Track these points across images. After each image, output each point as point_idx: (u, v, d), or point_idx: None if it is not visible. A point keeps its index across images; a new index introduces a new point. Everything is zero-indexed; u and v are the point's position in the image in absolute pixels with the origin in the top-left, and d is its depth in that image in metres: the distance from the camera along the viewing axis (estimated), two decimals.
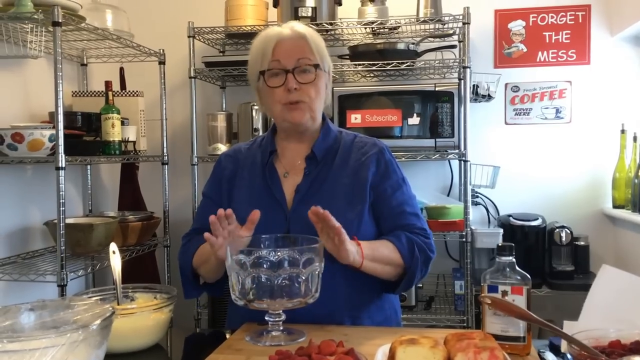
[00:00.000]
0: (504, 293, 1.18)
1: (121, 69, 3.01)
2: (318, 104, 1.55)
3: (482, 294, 1.20)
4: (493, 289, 1.19)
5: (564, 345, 1.20)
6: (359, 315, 1.51)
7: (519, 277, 1.19)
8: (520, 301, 1.17)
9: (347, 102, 2.72)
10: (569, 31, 2.97)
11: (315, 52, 1.52)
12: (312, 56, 1.52)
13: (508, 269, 1.19)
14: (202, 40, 2.93)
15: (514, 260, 1.20)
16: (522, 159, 3.01)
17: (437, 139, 2.66)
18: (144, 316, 1.27)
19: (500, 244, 1.21)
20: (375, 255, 1.44)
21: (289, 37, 1.52)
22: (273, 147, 1.60)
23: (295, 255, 1.25)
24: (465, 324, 2.60)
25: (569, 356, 1.17)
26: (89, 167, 2.95)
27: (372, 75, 3.00)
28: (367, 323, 1.51)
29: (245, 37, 2.88)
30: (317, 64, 1.52)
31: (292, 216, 1.50)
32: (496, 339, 1.10)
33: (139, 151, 2.79)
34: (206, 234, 1.33)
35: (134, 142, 2.72)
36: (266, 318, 1.31)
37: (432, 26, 2.81)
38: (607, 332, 1.10)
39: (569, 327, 1.16)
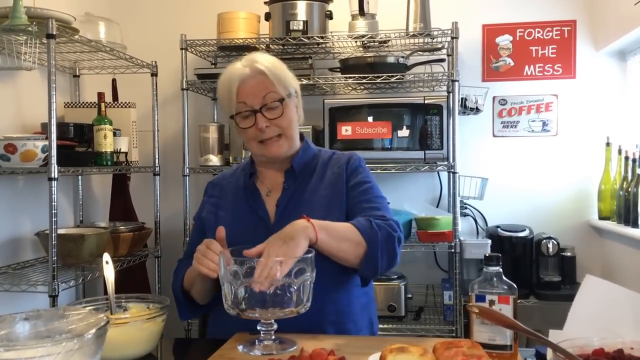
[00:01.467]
0: (491, 302, 1.20)
1: (113, 81, 3.03)
2: (292, 132, 1.59)
3: (470, 303, 1.22)
4: (480, 298, 1.22)
5: (549, 354, 1.23)
6: (341, 323, 1.54)
7: (505, 287, 1.22)
8: (507, 310, 1.19)
9: (338, 114, 2.76)
10: (555, 46, 3.03)
11: (278, 85, 1.53)
12: (275, 89, 1.53)
13: (495, 279, 1.22)
14: (194, 52, 2.95)
15: (500, 270, 1.23)
16: (509, 170, 3.06)
17: (427, 151, 2.70)
18: (137, 326, 1.28)
19: (487, 254, 1.24)
20: (327, 228, 1.42)
21: (249, 77, 1.53)
22: (253, 170, 1.67)
23: None
24: (454, 334, 2.62)
25: None
26: (80, 177, 2.95)
27: (362, 87, 3.04)
28: (352, 331, 1.55)
29: (237, 49, 2.91)
30: (282, 97, 1.54)
31: (274, 230, 1.51)
32: (484, 348, 1.12)
33: (131, 162, 2.81)
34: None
35: (126, 153, 2.73)
36: (258, 327, 1.32)
37: (421, 40, 2.86)
38: (591, 340, 1.12)
39: (554, 335, 1.19)
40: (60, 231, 2.25)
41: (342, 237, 1.45)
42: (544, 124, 3.04)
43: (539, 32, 3.04)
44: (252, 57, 1.58)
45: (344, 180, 1.61)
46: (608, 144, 2.89)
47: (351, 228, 1.47)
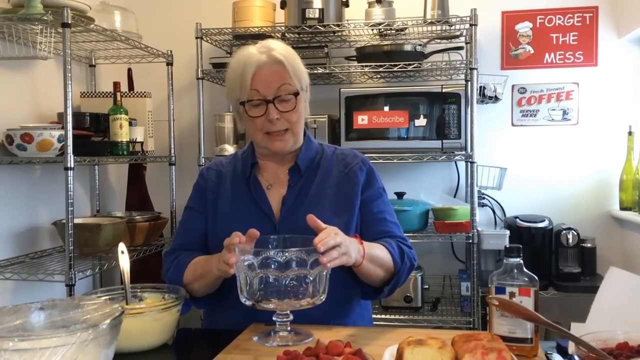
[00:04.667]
0: (512, 294, 1.18)
1: (129, 70, 3.03)
2: (299, 128, 1.56)
3: (490, 296, 1.20)
4: (500, 290, 1.19)
5: (571, 347, 1.20)
6: (345, 317, 1.54)
7: (526, 279, 1.19)
8: (527, 303, 1.17)
9: (354, 104, 2.72)
10: (576, 33, 2.97)
11: (294, 77, 1.50)
12: (291, 82, 1.49)
13: (516, 271, 1.19)
14: (209, 41, 2.94)
15: (521, 261, 1.20)
16: (528, 160, 3.01)
17: (444, 141, 2.66)
18: (152, 316, 1.28)
19: (508, 246, 1.21)
20: (373, 255, 1.44)
21: (266, 65, 1.48)
22: (254, 160, 1.61)
23: (303, 256, 1.25)
24: (471, 326, 2.59)
25: (576, 358, 1.17)
26: (96, 167, 2.96)
27: (379, 76, 3.00)
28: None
29: (253, 38, 2.88)
30: (296, 91, 1.50)
31: (281, 227, 1.51)
32: (503, 341, 1.10)
33: (147, 152, 2.81)
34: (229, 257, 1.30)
35: (142, 143, 2.73)
36: (274, 318, 1.31)
37: (439, 28, 2.81)
38: (614, 334, 1.10)
39: (576, 329, 1.16)
40: (77, 221, 2.26)
41: (380, 265, 1.47)
42: (565, 112, 2.98)
43: (559, 18, 2.98)
44: (267, 44, 1.52)
45: (359, 188, 1.57)
46: (630, 133, 2.83)
47: (387, 255, 1.48)
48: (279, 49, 1.51)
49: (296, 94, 1.50)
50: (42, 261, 2.37)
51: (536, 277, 1.20)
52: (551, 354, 1.22)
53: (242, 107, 1.52)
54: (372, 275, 1.47)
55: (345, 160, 1.62)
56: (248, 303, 1.28)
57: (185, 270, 1.52)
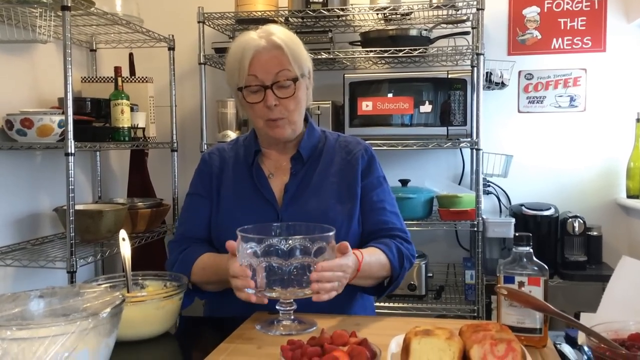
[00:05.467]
0: (521, 284, 1.15)
1: (130, 55, 2.99)
2: (298, 115, 1.52)
3: (498, 285, 1.17)
4: (509, 279, 1.16)
5: (581, 338, 1.18)
6: (348, 308, 1.53)
7: (536, 268, 1.16)
8: (537, 292, 1.14)
9: (358, 90, 2.69)
10: (584, 18, 2.92)
11: (293, 62, 1.45)
12: (290, 67, 1.45)
13: (525, 260, 1.17)
14: (211, 25, 2.89)
15: (531, 250, 1.17)
16: (535, 147, 2.97)
17: (449, 127, 2.63)
18: (154, 304, 1.25)
19: (517, 234, 1.18)
20: (365, 272, 1.40)
21: (265, 50, 1.44)
22: (258, 147, 1.58)
23: (306, 244, 1.23)
24: (475, 314, 2.58)
25: (586, 348, 1.15)
26: (98, 153, 2.94)
27: (383, 62, 2.96)
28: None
29: (256, 22, 2.84)
30: (295, 76, 1.46)
31: (284, 215, 1.49)
32: (511, 331, 1.07)
33: (148, 138, 2.78)
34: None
35: (144, 129, 2.71)
36: (277, 307, 1.29)
37: (445, 12, 2.76)
38: (626, 324, 1.07)
39: (586, 319, 1.13)
40: (78, 207, 2.24)
41: (373, 278, 1.46)
42: (572, 99, 2.94)
43: (567, 3, 2.92)
44: (268, 29, 1.49)
45: (358, 174, 1.55)
46: (638, 120, 2.78)
47: (385, 268, 1.46)
48: (279, 33, 1.47)
49: (295, 80, 1.46)
50: (43, 248, 2.35)
51: (546, 267, 1.17)
52: (560, 344, 1.20)
53: (241, 93, 1.49)
54: (360, 285, 1.46)
55: (348, 147, 1.60)
56: (251, 291, 1.26)
57: (193, 267, 1.49)
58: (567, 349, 1.16)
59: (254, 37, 1.47)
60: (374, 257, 1.44)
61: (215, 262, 1.45)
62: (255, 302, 1.24)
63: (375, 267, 1.44)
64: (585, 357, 1.13)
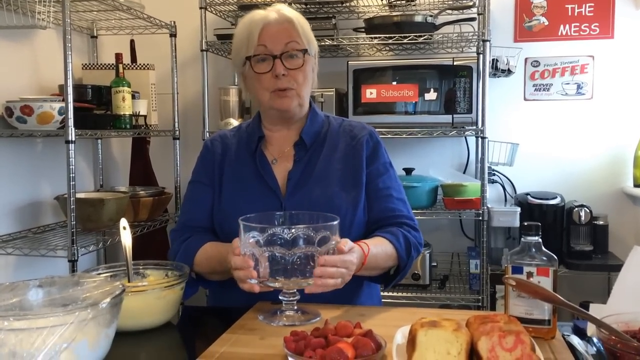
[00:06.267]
0: (529, 274, 1.13)
1: (132, 42, 2.96)
2: (306, 90, 1.50)
3: (506, 275, 1.15)
4: (517, 270, 1.14)
5: (590, 329, 1.16)
6: (354, 297, 1.50)
7: (545, 258, 1.13)
8: (546, 283, 1.12)
9: (362, 77, 2.65)
10: (592, 4, 2.87)
11: (302, 36, 1.47)
12: (299, 40, 1.46)
13: (534, 250, 1.14)
14: (213, 12, 2.86)
15: (540, 240, 1.15)
16: (541, 136, 2.94)
17: (454, 115, 2.59)
18: (155, 294, 1.23)
19: (526, 223, 1.15)
20: (371, 264, 1.38)
21: (275, 21, 1.46)
22: (261, 133, 1.55)
23: (310, 233, 1.20)
24: (480, 304, 2.56)
25: (595, 340, 1.12)
26: (99, 141, 2.92)
27: (388, 48, 2.92)
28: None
29: (258, 8, 2.80)
30: (304, 49, 1.47)
31: (287, 203, 1.46)
32: (520, 322, 1.05)
33: (150, 125, 2.75)
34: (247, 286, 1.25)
35: (145, 116, 2.68)
36: (280, 297, 1.27)
37: None
38: (638, 316, 1.05)
39: (596, 310, 1.11)
40: (79, 195, 2.22)
41: (379, 269, 1.44)
42: (579, 87, 2.90)
43: None
44: (277, 6, 1.50)
45: (363, 161, 1.52)
46: None
47: (391, 257, 1.44)
48: (288, 10, 1.49)
49: (304, 52, 1.46)
50: (45, 236, 2.33)
51: (555, 257, 1.14)
52: (568, 335, 1.17)
53: (248, 63, 1.47)
54: (367, 274, 1.44)
55: (353, 132, 1.57)
56: (254, 281, 1.24)
57: (196, 257, 1.47)
58: (575, 340, 1.14)
59: (263, 12, 1.49)
60: (380, 248, 1.41)
61: (219, 252, 1.43)
62: (259, 292, 1.22)
63: (381, 258, 1.41)
64: (594, 348, 1.11)
